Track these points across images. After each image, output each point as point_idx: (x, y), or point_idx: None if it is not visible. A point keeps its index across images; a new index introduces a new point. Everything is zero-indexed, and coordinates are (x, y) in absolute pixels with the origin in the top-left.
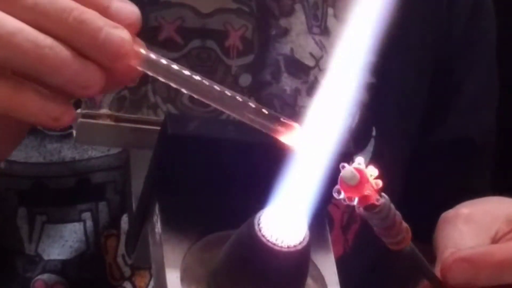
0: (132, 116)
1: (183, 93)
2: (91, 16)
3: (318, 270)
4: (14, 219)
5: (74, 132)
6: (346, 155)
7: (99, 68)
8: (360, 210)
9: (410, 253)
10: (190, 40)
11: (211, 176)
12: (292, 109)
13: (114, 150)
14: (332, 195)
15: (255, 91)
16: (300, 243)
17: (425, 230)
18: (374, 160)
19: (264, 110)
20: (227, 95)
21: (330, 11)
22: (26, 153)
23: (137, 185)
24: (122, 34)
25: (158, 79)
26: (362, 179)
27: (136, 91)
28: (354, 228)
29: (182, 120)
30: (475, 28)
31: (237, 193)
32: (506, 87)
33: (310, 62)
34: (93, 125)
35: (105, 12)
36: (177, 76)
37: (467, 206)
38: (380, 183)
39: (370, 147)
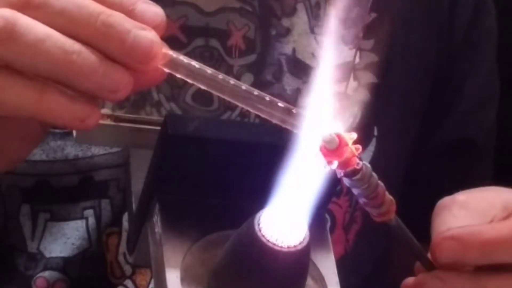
0: (132, 116)
1: (186, 92)
2: (119, 19)
3: (318, 270)
4: (17, 216)
5: (74, 132)
6: None
7: (127, 71)
8: (342, 177)
9: (396, 226)
10: (193, 39)
11: (211, 176)
12: None
13: (117, 148)
14: (332, 195)
15: None
16: (300, 243)
17: (426, 231)
18: (375, 159)
19: (280, 104)
20: (254, 95)
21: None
22: None
23: (137, 185)
24: (150, 36)
25: None
26: (341, 143)
27: None
28: (355, 228)
29: (182, 120)
30: (477, 29)
31: (237, 193)
32: (506, 87)
33: (312, 62)
34: None
35: (129, 14)
36: (201, 76)
37: (463, 193)
38: (359, 148)
39: (371, 147)
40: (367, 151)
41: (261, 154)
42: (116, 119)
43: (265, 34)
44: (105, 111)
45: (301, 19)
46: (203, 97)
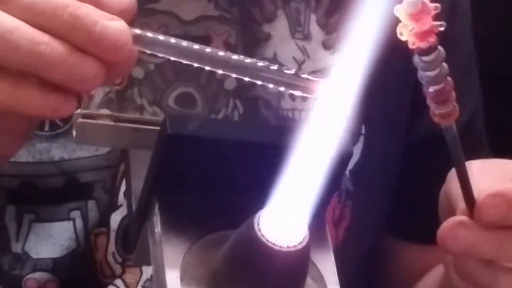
0: (132, 116)
1: (169, 96)
2: (86, 10)
3: (318, 270)
4: (3, 217)
5: (74, 132)
6: (345, 155)
7: (97, 61)
8: (415, 53)
9: (451, 136)
10: None
11: (211, 176)
12: (275, 112)
13: (102, 151)
14: (332, 195)
15: (240, 94)
16: (300, 243)
17: (418, 230)
18: (364, 157)
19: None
20: (219, 55)
21: (313, 17)
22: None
23: (137, 185)
24: (118, 26)
25: (143, 82)
26: (424, 9)
27: (122, 93)
28: (344, 224)
29: (182, 120)
30: (452, 28)
31: (237, 193)
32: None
33: (293, 67)
34: (93, 125)
35: (96, 1)
36: (166, 46)
37: (477, 161)
38: (441, 24)
39: (360, 144)
40: (355, 148)
41: (261, 154)
42: (116, 119)
43: (246, 40)
44: (105, 111)
45: (281, 25)
46: (186, 100)
